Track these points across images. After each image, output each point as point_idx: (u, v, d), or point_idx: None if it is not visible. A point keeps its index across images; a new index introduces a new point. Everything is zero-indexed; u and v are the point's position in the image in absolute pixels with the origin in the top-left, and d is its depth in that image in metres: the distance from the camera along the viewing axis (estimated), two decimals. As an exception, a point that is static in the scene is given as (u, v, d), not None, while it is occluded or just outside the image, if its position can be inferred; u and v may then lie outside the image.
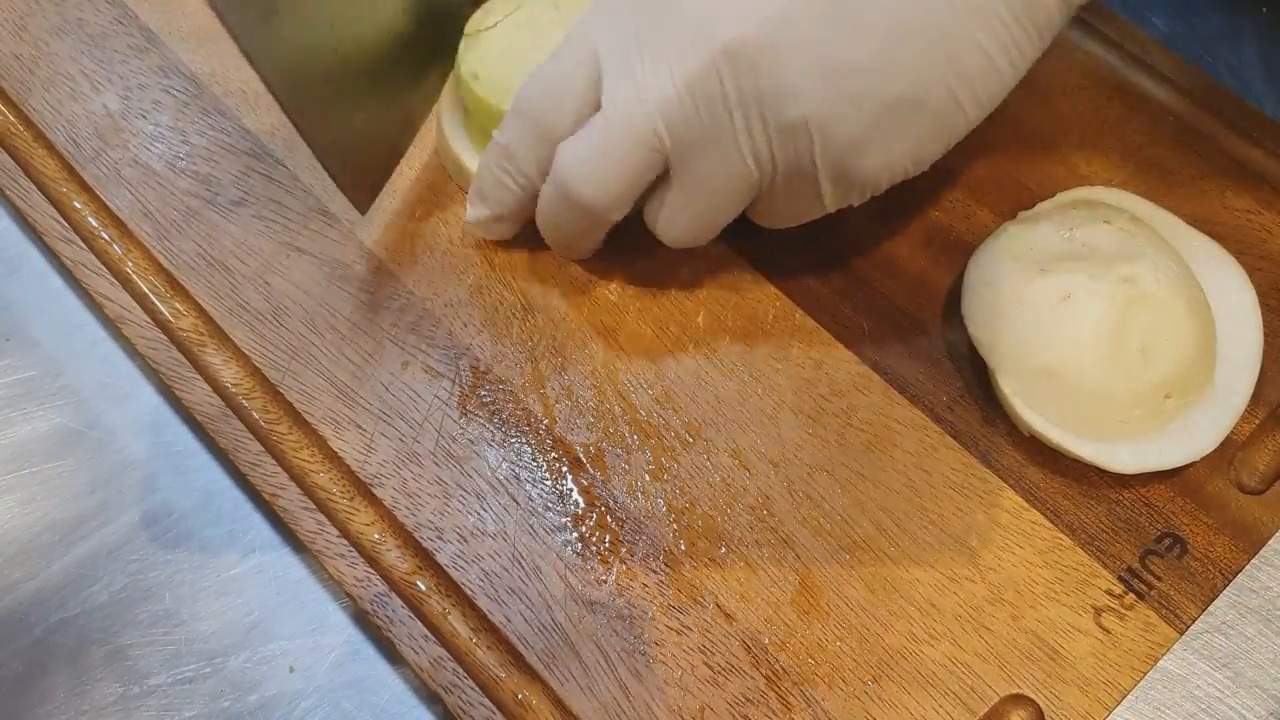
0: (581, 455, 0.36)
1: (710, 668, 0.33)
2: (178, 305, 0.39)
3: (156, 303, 0.39)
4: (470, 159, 0.40)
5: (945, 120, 0.32)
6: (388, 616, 0.34)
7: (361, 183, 0.39)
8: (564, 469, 0.36)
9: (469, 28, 0.39)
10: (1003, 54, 0.32)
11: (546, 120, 0.35)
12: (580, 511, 0.36)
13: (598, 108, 0.34)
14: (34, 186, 0.41)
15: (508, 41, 0.38)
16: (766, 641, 0.34)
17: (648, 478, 0.36)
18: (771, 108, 0.32)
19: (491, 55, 0.38)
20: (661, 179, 0.35)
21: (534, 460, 0.36)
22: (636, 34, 0.33)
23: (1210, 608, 0.34)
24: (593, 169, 0.34)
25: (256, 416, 0.37)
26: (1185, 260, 0.37)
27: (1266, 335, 0.37)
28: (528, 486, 0.36)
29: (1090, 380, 0.34)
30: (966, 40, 0.31)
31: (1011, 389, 0.36)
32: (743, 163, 0.33)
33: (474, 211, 0.38)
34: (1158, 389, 0.35)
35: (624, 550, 0.35)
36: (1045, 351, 0.35)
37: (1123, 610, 0.34)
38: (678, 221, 0.35)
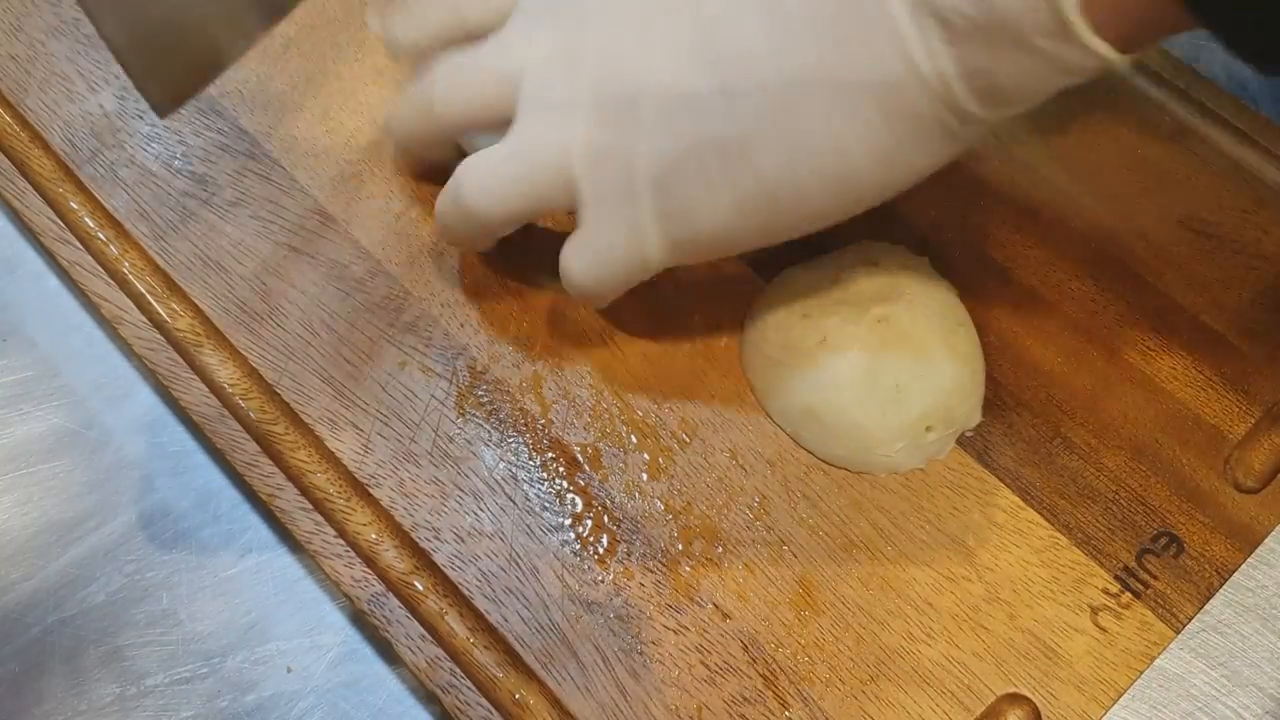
0: (579, 455, 0.36)
1: (707, 667, 0.33)
2: (174, 305, 0.39)
3: (153, 303, 0.39)
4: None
5: (781, 195, 0.31)
6: (385, 616, 0.34)
7: (165, 84, 0.36)
8: (561, 469, 0.36)
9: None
10: (859, 144, 0.29)
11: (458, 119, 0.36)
12: (577, 511, 0.36)
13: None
14: (30, 187, 0.41)
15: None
16: (764, 641, 0.34)
17: (645, 477, 0.36)
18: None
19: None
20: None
21: (531, 460, 0.36)
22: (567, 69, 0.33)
23: (1207, 606, 0.34)
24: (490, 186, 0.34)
25: (253, 417, 0.37)
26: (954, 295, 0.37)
27: (1261, 334, 0.37)
28: (525, 486, 0.36)
29: (848, 418, 0.35)
30: (821, 121, 0.29)
31: (788, 429, 0.37)
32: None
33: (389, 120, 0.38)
34: (916, 424, 0.35)
35: (621, 550, 0.35)
36: (806, 393, 0.36)
37: (1119, 609, 0.34)
38: (577, 260, 0.34)
